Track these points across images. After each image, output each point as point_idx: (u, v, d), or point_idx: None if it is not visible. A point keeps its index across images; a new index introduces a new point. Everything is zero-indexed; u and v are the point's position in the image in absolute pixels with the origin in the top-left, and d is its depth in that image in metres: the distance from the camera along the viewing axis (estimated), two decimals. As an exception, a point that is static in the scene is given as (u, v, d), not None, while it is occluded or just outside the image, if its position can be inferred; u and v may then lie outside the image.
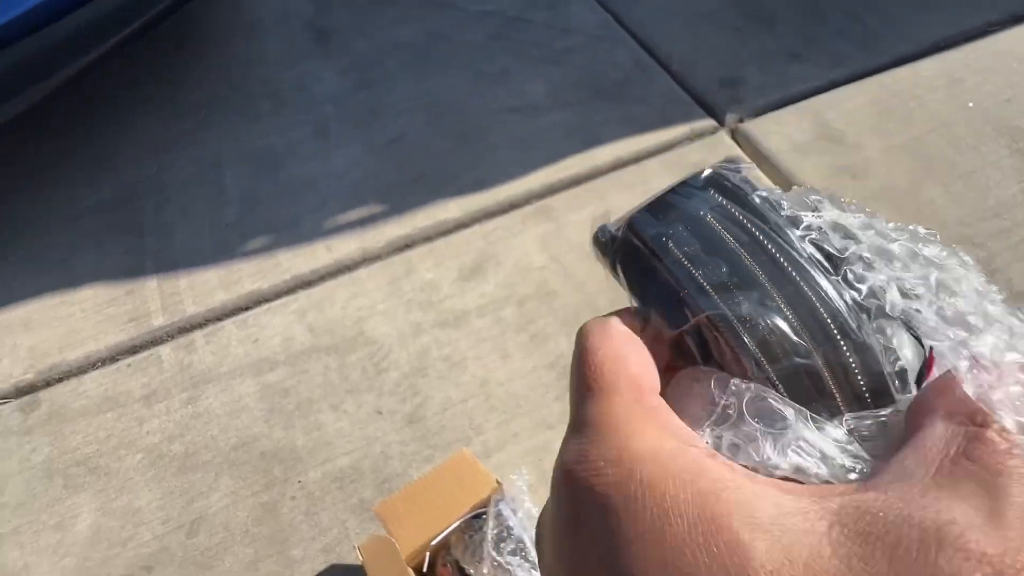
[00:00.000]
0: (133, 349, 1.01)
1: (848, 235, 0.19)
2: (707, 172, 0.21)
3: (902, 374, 0.18)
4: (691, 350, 0.19)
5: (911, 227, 0.20)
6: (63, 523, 0.84)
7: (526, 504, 0.65)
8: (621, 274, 0.21)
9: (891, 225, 0.20)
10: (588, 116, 1.28)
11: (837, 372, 0.18)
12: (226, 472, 0.87)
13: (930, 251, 0.19)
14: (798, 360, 0.18)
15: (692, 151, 1.21)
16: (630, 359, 0.18)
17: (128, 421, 0.93)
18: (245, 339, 1.00)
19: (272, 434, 0.90)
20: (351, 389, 0.93)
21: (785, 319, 0.18)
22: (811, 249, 0.19)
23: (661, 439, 0.16)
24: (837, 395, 0.18)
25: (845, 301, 0.18)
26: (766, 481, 0.15)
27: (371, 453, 0.87)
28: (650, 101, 1.30)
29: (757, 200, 0.20)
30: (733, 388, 0.18)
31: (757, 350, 0.18)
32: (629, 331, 0.19)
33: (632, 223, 0.20)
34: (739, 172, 0.21)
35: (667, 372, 0.19)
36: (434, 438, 0.88)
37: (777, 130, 1.23)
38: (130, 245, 1.14)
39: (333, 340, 0.99)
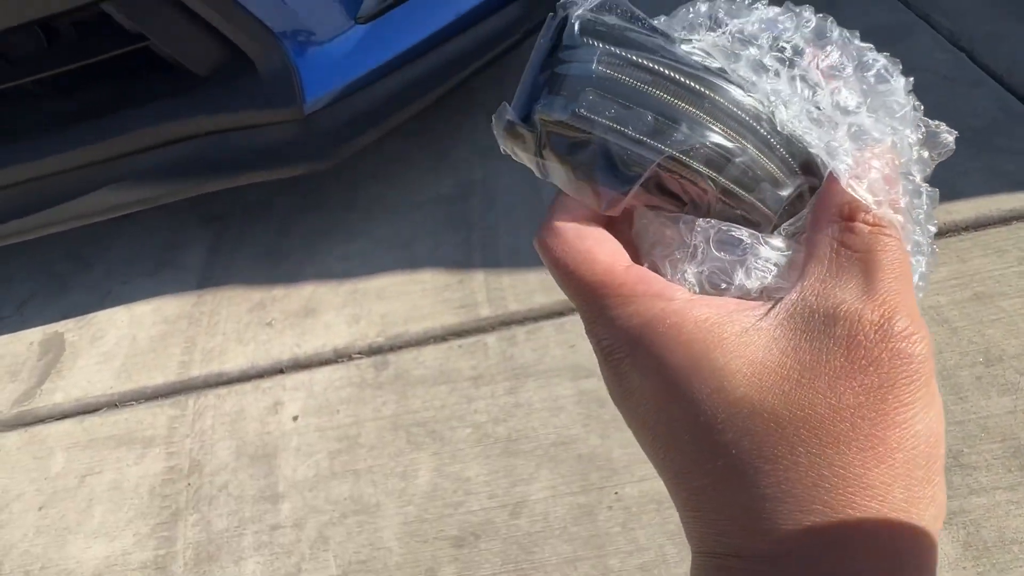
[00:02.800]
0: (463, 332, 1.13)
1: (729, 53, 0.20)
2: (576, 24, 0.20)
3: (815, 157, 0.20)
4: (652, 203, 0.21)
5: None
6: (407, 473, 0.96)
7: None
8: (553, 159, 0.21)
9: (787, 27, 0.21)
10: (941, 166, 1.14)
11: (770, 155, 0.20)
12: (546, 465, 0.92)
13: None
14: (739, 160, 0.20)
15: (1088, 219, 1.01)
16: (595, 253, 0.21)
17: (458, 396, 1.04)
18: (563, 343, 1.06)
19: (589, 439, 0.93)
20: (667, 413, 0.93)
21: (716, 132, 0.19)
22: (705, 63, 0.19)
23: (650, 307, 0.20)
24: (777, 173, 0.20)
25: (753, 100, 0.20)
26: (725, 304, 0.20)
27: (689, 483, 0.86)
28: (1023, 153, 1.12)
29: (640, 35, 0.20)
30: (699, 228, 0.20)
31: (707, 169, 0.19)
32: (577, 226, 0.21)
33: (543, 109, 0.20)
34: (604, 5, 0.20)
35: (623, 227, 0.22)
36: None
37: None
38: (460, 239, 1.28)
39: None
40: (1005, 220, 1.04)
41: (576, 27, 0.20)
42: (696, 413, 0.19)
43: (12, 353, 1.37)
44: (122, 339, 1.31)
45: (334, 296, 1.26)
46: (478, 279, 1.20)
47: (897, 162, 0.21)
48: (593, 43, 0.20)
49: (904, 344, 0.18)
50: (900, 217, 0.20)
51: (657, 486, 0.87)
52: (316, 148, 1.12)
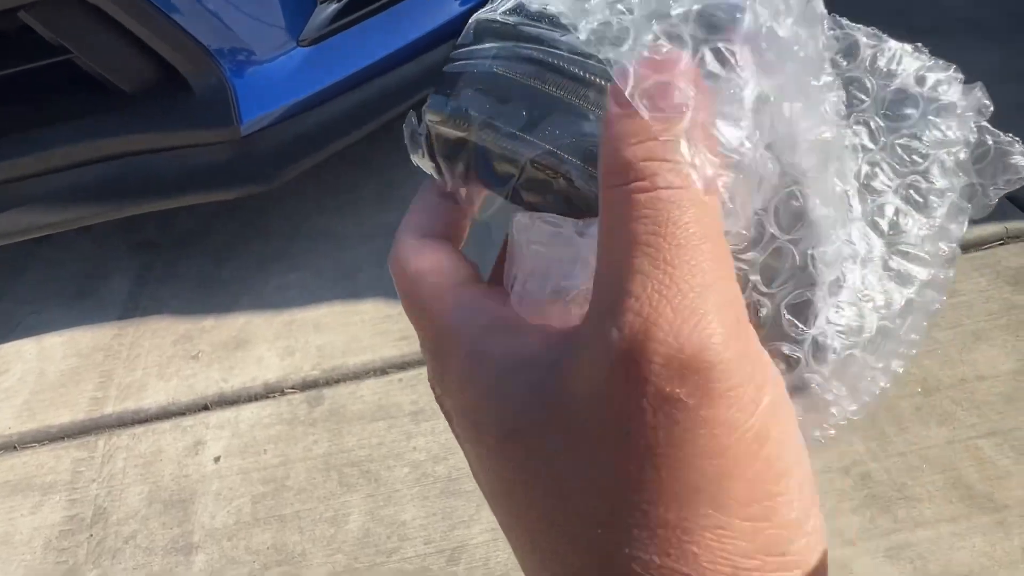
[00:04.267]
0: (403, 365, 1.08)
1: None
2: (472, 25, 0.19)
3: None
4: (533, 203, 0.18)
5: None
6: (336, 518, 0.89)
7: None
8: (441, 160, 0.20)
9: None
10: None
11: None
12: (485, 506, 0.87)
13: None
14: None
15: (1009, 254, 1.05)
16: (426, 276, 0.19)
17: (397, 433, 0.98)
18: (508, 376, 1.02)
19: (533, 477, 0.89)
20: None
21: (595, 123, 0.17)
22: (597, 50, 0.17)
23: (469, 323, 0.18)
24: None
25: None
26: (520, 338, 0.17)
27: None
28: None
29: (536, 29, 0.18)
30: (516, 222, 0.18)
31: (583, 163, 0.17)
32: (415, 243, 0.20)
33: (428, 109, 0.20)
34: (515, 9, 0.19)
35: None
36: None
37: None
38: (405, 269, 1.24)
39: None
40: (935, 255, 1.08)
41: (472, 27, 0.19)
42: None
43: (-101, 391, 1.23)
44: (27, 373, 1.19)
45: (268, 328, 1.19)
46: (422, 310, 1.16)
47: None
48: (487, 42, 0.19)
49: (669, 390, 0.12)
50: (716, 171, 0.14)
51: (603, 526, 0.82)
52: (252, 171, 1.07)
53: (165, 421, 1.06)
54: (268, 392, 1.08)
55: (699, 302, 0.12)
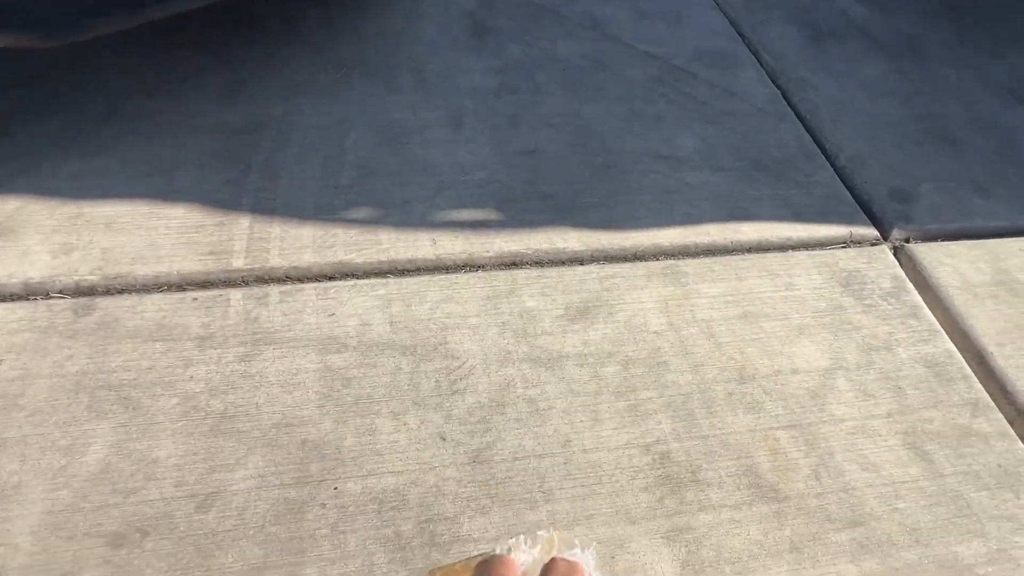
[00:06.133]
0: (205, 284, 0.93)
1: None
2: None
3: None
4: None
5: None
6: (73, 448, 0.74)
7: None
8: None
9: None
10: (739, 187, 1.16)
11: None
12: (259, 450, 0.76)
13: None
14: None
15: (848, 257, 1.07)
16: None
17: (174, 358, 0.84)
18: (321, 310, 0.90)
19: (321, 424, 0.79)
20: (418, 401, 0.82)
21: None
22: None
23: None
24: None
25: None
26: None
27: (422, 482, 0.75)
28: (810, 191, 1.17)
29: None
30: None
31: None
32: None
33: None
34: None
35: None
36: (497, 488, 0.75)
37: (949, 262, 1.08)
38: (233, 176, 1.08)
39: (413, 341, 0.88)
40: (783, 247, 1.08)
41: None
42: None
43: None
44: None
45: (47, 218, 0.98)
46: (242, 225, 1.00)
47: None
48: None
49: None
50: None
51: (385, 482, 0.74)
52: (33, 17, 0.86)
53: None
54: (27, 293, 0.90)
55: None
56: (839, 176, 1.22)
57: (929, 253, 1.09)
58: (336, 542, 0.70)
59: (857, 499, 0.78)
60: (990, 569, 0.73)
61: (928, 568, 0.73)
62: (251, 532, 0.70)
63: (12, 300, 0.89)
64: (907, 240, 1.12)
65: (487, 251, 1.01)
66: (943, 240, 1.12)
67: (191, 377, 0.82)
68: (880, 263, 1.07)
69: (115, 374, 0.82)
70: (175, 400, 0.80)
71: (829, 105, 1.38)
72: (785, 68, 1.47)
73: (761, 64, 1.47)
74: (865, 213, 1.15)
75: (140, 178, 1.06)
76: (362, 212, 1.05)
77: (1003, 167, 1.28)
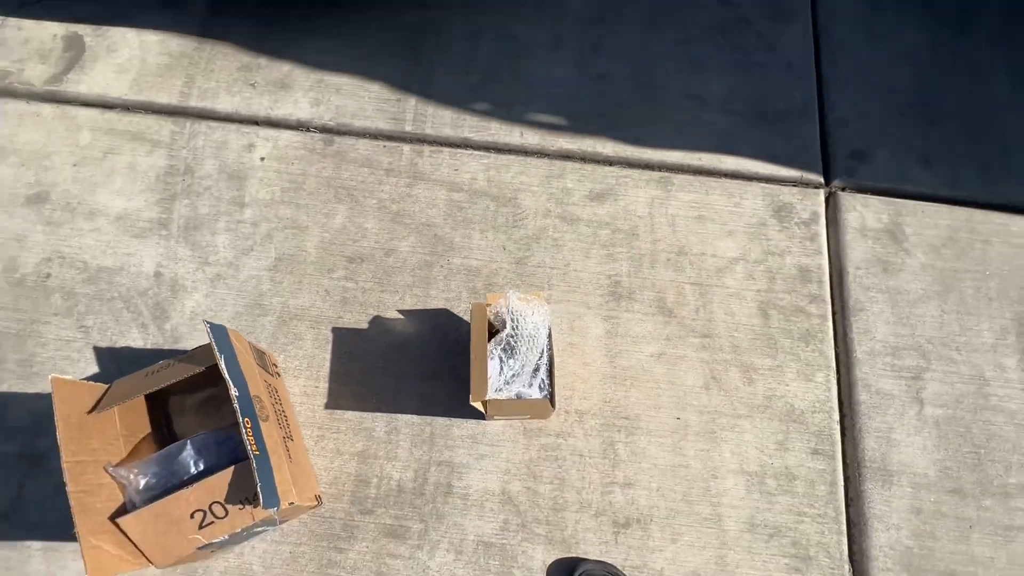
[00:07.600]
0: (390, 137, 1.62)
1: None
2: None
3: None
4: None
5: None
6: (329, 214, 1.52)
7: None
8: None
9: None
10: (738, 129, 1.66)
11: None
12: (413, 235, 1.51)
13: None
14: None
15: (790, 193, 1.59)
16: None
17: (374, 179, 1.57)
18: (451, 166, 1.59)
19: (444, 227, 1.52)
20: (495, 227, 1.52)
21: None
22: None
23: None
24: None
25: None
26: None
27: (489, 267, 1.48)
28: (790, 141, 1.65)
29: None
30: None
31: None
32: None
33: None
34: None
35: None
36: (526, 278, 1.47)
37: (860, 209, 1.58)
38: (408, 67, 1.71)
39: (499, 192, 1.56)
40: (748, 178, 1.60)
41: None
42: None
43: (39, 39, 1.72)
44: (133, 58, 1.70)
45: (305, 80, 1.68)
46: (411, 103, 1.66)
47: None
48: None
49: None
50: None
51: (471, 263, 1.48)
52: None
53: (230, 124, 1.62)
54: (299, 126, 1.63)
55: None
56: (820, 132, 1.67)
57: (849, 200, 1.59)
58: (445, 285, 1.46)
59: (713, 326, 1.44)
60: (767, 374, 1.40)
61: (734, 364, 1.40)
62: (408, 269, 1.47)
63: (292, 129, 1.63)
64: (842, 189, 1.61)
65: (552, 146, 1.62)
66: (869, 194, 1.60)
67: (383, 191, 1.55)
68: (810, 201, 1.59)
69: (346, 181, 1.56)
70: (374, 200, 1.54)
71: (849, 69, 1.75)
72: (831, 27, 1.80)
73: (814, 21, 1.81)
74: (823, 164, 1.63)
75: (355, 60, 1.71)
76: (484, 105, 1.67)
77: (960, 146, 1.66)
